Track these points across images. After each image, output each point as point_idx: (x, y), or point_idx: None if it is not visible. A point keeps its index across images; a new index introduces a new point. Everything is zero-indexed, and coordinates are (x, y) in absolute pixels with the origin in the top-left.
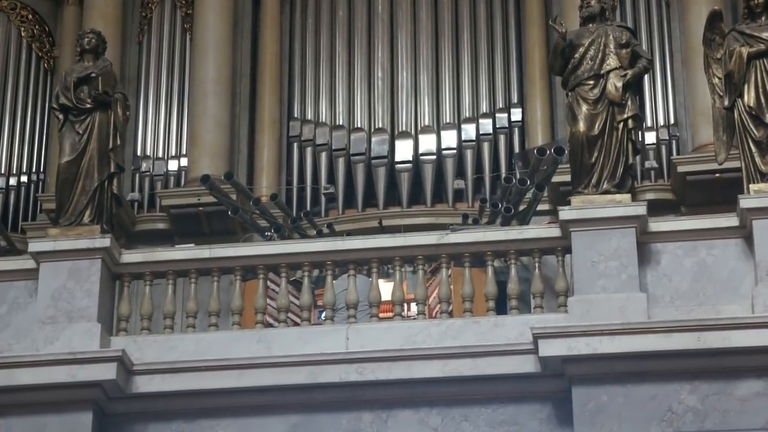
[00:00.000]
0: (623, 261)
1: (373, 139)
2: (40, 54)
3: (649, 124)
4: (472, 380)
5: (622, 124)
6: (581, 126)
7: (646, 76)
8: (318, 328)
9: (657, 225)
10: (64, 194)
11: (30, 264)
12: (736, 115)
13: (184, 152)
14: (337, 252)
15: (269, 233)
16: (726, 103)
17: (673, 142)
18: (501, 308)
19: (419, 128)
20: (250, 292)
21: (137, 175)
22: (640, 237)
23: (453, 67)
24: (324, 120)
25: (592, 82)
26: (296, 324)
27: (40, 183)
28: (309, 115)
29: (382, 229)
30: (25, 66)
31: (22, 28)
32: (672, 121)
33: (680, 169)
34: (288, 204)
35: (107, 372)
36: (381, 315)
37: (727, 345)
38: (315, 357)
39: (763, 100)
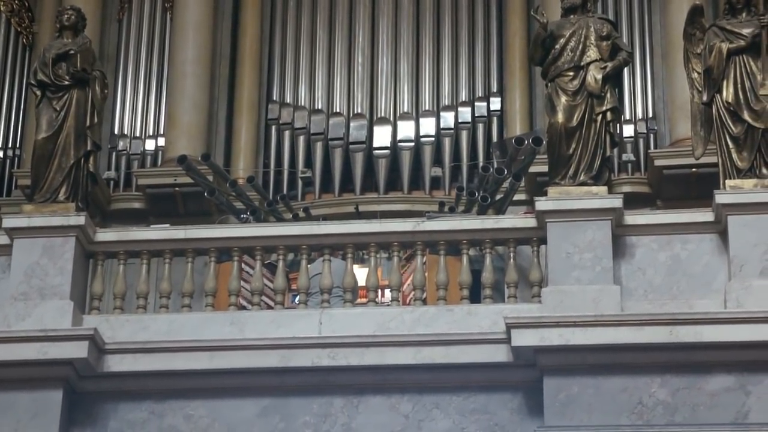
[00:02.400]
0: (598, 253)
1: (351, 125)
2: (18, 29)
3: (627, 117)
4: (443, 368)
5: (600, 116)
6: (560, 117)
7: (625, 69)
8: (291, 312)
9: (632, 218)
10: (39, 171)
11: (4, 240)
12: (714, 110)
13: (161, 132)
14: (312, 236)
15: (245, 215)
16: (704, 98)
17: (651, 135)
18: (475, 297)
19: (398, 114)
20: (224, 274)
21: (114, 153)
22: (615, 229)
23: (433, 55)
24: (303, 104)
25: (571, 73)
26: (270, 307)
27: (16, 159)
28: (288, 99)
29: (358, 215)
30: (3, 41)
31: (2, 3)
32: (650, 114)
33: (657, 162)
34: (265, 187)
35: (79, 350)
36: (355, 301)
37: (698, 339)
38: (288, 341)
39: (741, 96)
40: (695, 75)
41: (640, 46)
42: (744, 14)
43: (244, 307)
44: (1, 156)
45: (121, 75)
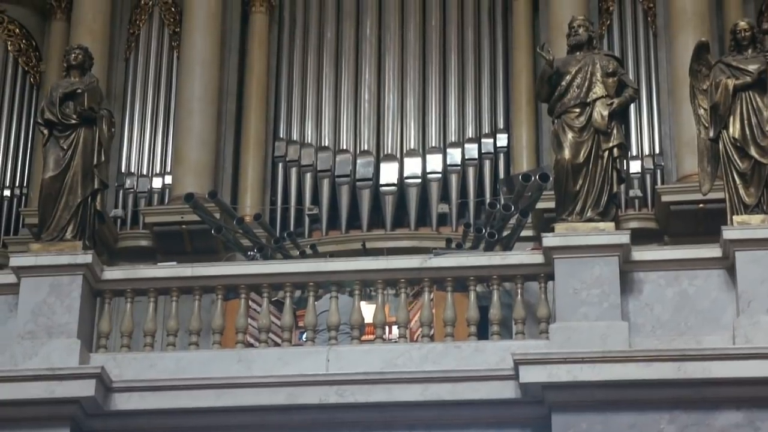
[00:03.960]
0: (605, 289)
1: (358, 161)
2: (26, 68)
3: (634, 153)
4: (451, 405)
5: (607, 152)
6: (566, 153)
7: (632, 106)
8: (299, 349)
9: (640, 254)
10: (47, 209)
11: (11, 279)
12: (720, 146)
13: (168, 170)
14: (319, 273)
15: (252, 253)
16: (711, 134)
17: (658, 171)
18: (482, 333)
19: (405, 151)
20: (231, 312)
21: (121, 191)
22: (622, 265)
23: (440, 91)
24: (309, 141)
25: (578, 109)
26: (277, 344)
27: (23, 197)
28: (294, 136)
29: (365, 252)
30: (11, 80)
31: (9, 42)
32: (657, 150)
33: (664, 198)
34: (272, 224)
35: (86, 389)
36: (362, 337)
37: (707, 376)
38: (295, 378)
39: (747, 132)
40: (702, 111)
41: (646, 82)
42: (750, 50)
43: (251, 345)
44: (9, 195)
45: (128, 113)
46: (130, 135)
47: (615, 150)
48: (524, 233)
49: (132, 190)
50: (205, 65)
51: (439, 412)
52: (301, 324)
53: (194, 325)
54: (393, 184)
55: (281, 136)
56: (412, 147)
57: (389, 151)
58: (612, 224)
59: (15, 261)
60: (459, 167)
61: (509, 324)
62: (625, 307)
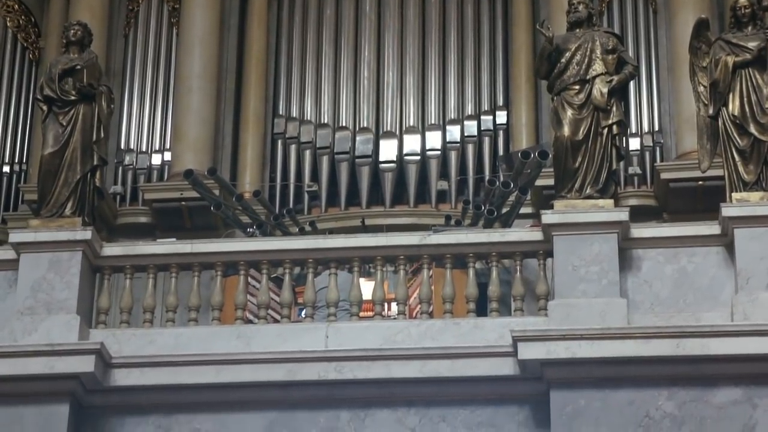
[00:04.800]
0: (604, 266)
1: (357, 138)
2: (25, 44)
3: (633, 130)
4: (450, 381)
5: (606, 129)
6: (566, 130)
7: (631, 83)
8: (298, 326)
9: (639, 231)
10: (46, 185)
11: (10, 254)
12: (720, 123)
13: (167, 146)
14: (318, 250)
15: (251, 229)
16: (710, 111)
17: (657, 148)
18: (481, 310)
19: (404, 128)
20: (230, 288)
21: (120, 168)
22: (621, 243)
23: (439, 69)
24: (309, 118)
25: (577, 87)
26: (276, 321)
27: (23, 174)
28: (294, 113)
29: (364, 228)
30: (10, 56)
31: (8, 18)
32: (656, 127)
33: (663, 176)
34: (271, 201)
35: (85, 364)
36: (361, 314)
37: (705, 352)
38: (294, 354)
39: (747, 110)
40: (701, 88)
41: (646, 59)
42: (750, 27)
43: (250, 321)
44: (8, 171)
45: (128, 90)
46: (129, 111)
47: (614, 127)
48: (523, 210)
49: (131, 166)
50: (204, 42)
51: (437, 388)
52: (300, 300)
53: (193, 301)
54: (392, 161)
55: (280, 113)
56: (411, 124)
57: (388, 128)
58: (611, 201)
59: (14, 237)
60: (458, 144)
61: (508, 301)
62: (623, 284)
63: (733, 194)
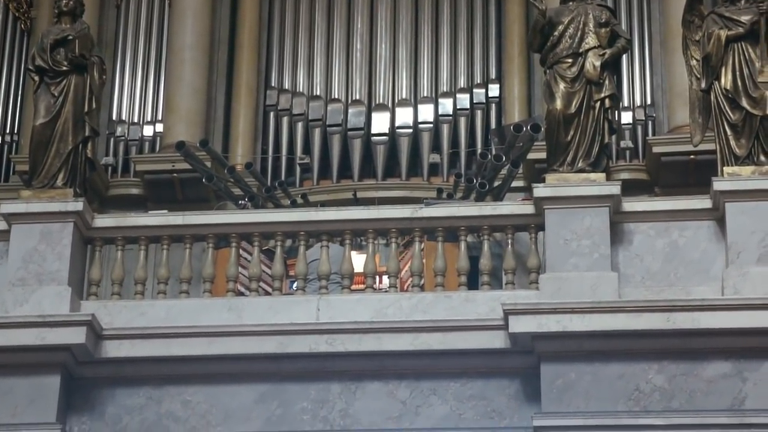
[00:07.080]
0: (596, 240)
1: (349, 111)
2: (17, 14)
3: (625, 104)
4: (441, 354)
5: (599, 103)
6: (558, 104)
7: (624, 56)
8: (289, 298)
9: (630, 205)
10: (37, 156)
11: (2, 225)
12: (712, 97)
13: (159, 118)
14: (310, 223)
15: (243, 202)
16: (703, 85)
17: (649, 122)
18: (473, 283)
19: (396, 101)
20: (222, 260)
21: (112, 139)
22: (613, 216)
23: (432, 41)
24: (301, 90)
25: (570, 60)
26: (267, 293)
27: (14, 144)
28: (286, 85)
29: (356, 201)
30: (1, 26)
31: None
32: (649, 101)
33: (655, 149)
34: (263, 173)
35: (76, 336)
36: (352, 287)
37: (695, 326)
38: (285, 327)
39: (739, 84)
40: (694, 62)
41: (638, 33)
42: (743, 1)
43: (242, 294)
44: (0, 141)
45: (120, 61)
46: (121, 83)
47: (607, 101)
48: (515, 184)
49: (123, 137)
50: (196, 13)
51: (428, 361)
52: (291, 273)
53: (185, 273)
54: (384, 134)
55: (273, 85)
56: (403, 97)
57: (381, 101)
58: (603, 175)
59: (5, 208)
60: (450, 117)
61: (499, 274)
62: (615, 258)
63: (725, 168)
